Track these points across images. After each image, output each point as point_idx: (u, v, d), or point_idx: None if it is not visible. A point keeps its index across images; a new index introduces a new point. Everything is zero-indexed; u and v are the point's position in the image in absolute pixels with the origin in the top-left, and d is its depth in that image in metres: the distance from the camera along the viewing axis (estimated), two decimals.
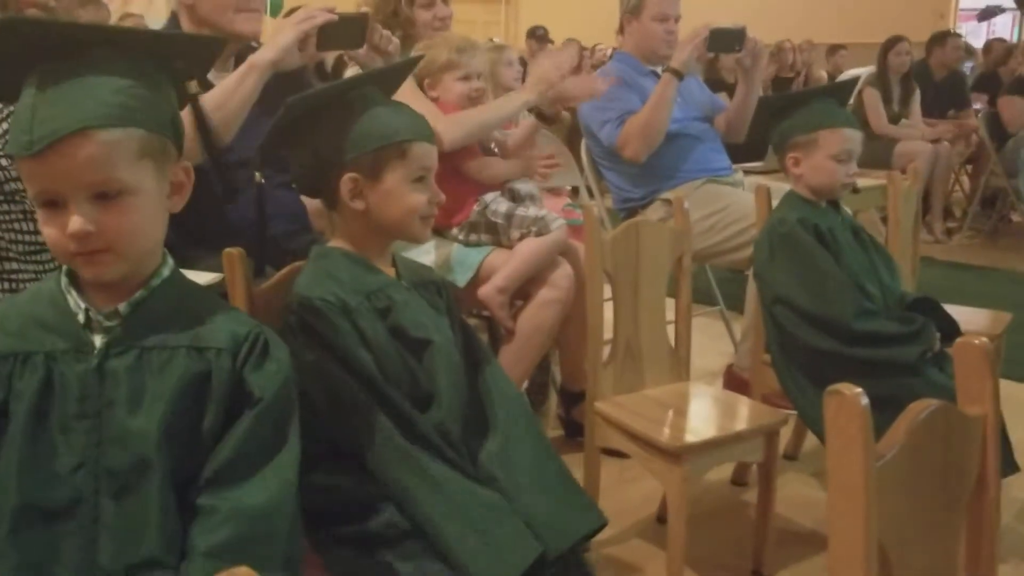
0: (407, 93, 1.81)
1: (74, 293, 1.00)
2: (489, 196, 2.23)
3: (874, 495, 0.73)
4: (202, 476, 0.97)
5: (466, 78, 2.25)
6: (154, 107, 0.98)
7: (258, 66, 1.71)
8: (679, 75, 2.71)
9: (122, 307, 0.99)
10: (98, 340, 0.98)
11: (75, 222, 0.92)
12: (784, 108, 2.01)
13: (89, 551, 0.94)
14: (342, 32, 1.80)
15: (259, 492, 0.97)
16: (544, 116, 2.31)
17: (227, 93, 1.70)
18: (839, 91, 2.12)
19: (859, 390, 0.74)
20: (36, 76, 0.94)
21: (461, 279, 2.15)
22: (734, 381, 2.62)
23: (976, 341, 0.88)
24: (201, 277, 1.43)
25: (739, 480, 2.23)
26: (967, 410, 0.89)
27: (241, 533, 0.94)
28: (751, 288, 2.50)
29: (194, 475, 0.98)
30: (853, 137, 1.97)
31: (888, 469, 0.76)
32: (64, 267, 1.01)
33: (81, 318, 0.98)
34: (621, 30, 2.99)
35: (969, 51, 6.63)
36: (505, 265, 2.14)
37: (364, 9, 2.13)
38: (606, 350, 1.93)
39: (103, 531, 0.94)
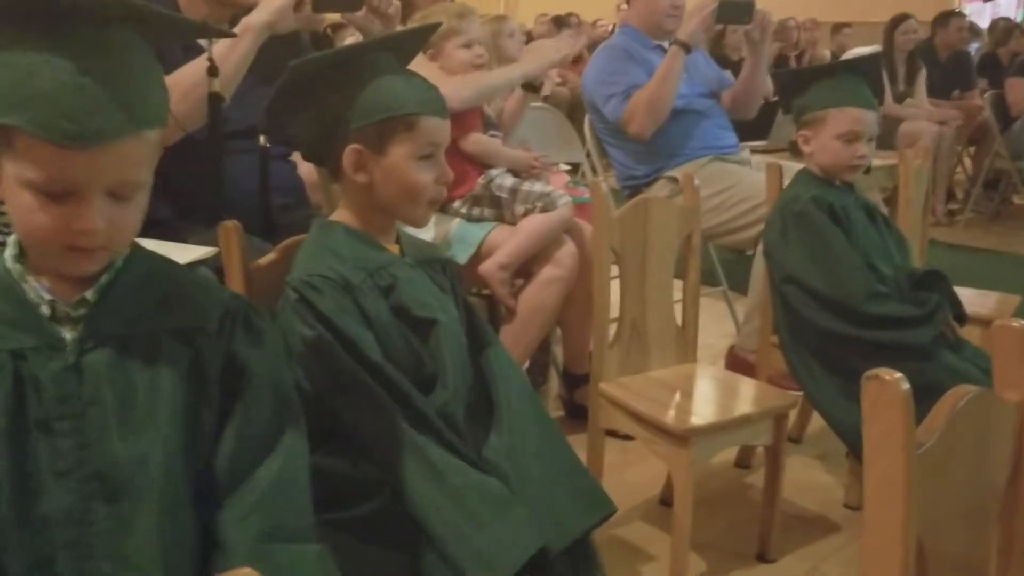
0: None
1: (31, 281, 0.89)
2: (495, 170, 2.18)
3: (914, 485, 0.69)
4: (215, 475, 0.93)
5: (468, 45, 2.22)
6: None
7: (253, 28, 1.65)
8: (686, 48, 2.65)
9: (89, 294, 0.90)
10: (67, 333, 0.89)
11: (95, 219, 0.84)
12: (801, 82, 1.95)
13: (85, 560, 0.87)
14: None
15: (272, 471, 0.94)
16: (532, 86, 2.35)
17: (219, 58, 1.64)
18: (864, 66, 2.00)
19: (899, 375, 0.70)
20: (71, 46, 0.82)
21: (461, 256, 2.10)
22: (737, 362, 2.59)
23: (1015, 324, 0.84)
24: (194, 251, 1.38)
25: (743, 463, 2.20)
26: (1004, 395, 0.85)
27: (269, 520, 0.92)
28: (756, 268, 2.45)
29: (198, 465, 0.93)
30: (864, 118, 1.90)
31: (927, 457, 0.72)
32: (10, 253, 0.90)
33: (46, 310, 0.89)
34: (627, 1, 2.93)
35: (974, 31, 6.56)
36: (508, 241, 2.09)
37: None
38: (612, 330, 1.88)
39: (97, 538, 0.87)
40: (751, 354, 2.45)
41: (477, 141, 2.20)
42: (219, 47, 1.66)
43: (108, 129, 0.82)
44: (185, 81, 1.61)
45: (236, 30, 1.66)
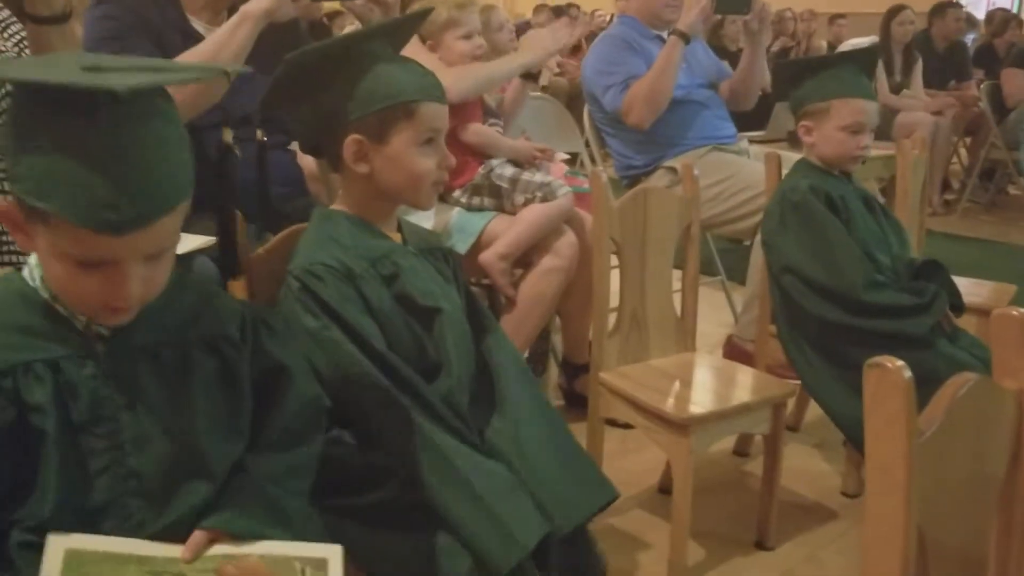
0: (409, 48, 1.76)
1: (62, 301, 0.92)
2: (495, 160, 2.18)
3: (915, 474, 0.69)
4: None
5: (468, 36, 2.21)
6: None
7: (251, 16, 1.65)
8: (685, 38, 2.64)
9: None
10: (100, 344, 0.92)
11: (131, 287, 0.86)
12: (801, 73, 1.95)
13: None
14: None
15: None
16: (530, 74, 2.36)
17: (219, 45, 1.63)
18: (863, 58, 2.02)
19: (901, 363, 0.70)
20: (104, 129, 0.80)
21: (461, 245, 2.10)
22: (736, 352, 2.60)
23: (1015, 312, 0.85)
24: (194, 240, 1.38)
25: (741, 451, 2.22)
26: (1003, 384, 0.85)
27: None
28: (755, 258, 2.46)
29: (229, 465, 0.98)
30: (867, 109, 1.91)
31: (928, 446, 0.73)
32: (39, 275, 0.92)
33: (81, 324, 0.91)
34: None
35: (971, 22, 6.55)
36: (508, 231, 2.09)
37: None
38: (611, 319, 1.89)
39: (140, 531, 0.91)
40: (749, 343, 2.45)
41: (477, 131, 2.19)
42: (217, 35, 1.65)
43: (143, 216, 0.83)
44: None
45: (235, 18, 1.66)
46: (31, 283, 0.92)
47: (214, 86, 1.60)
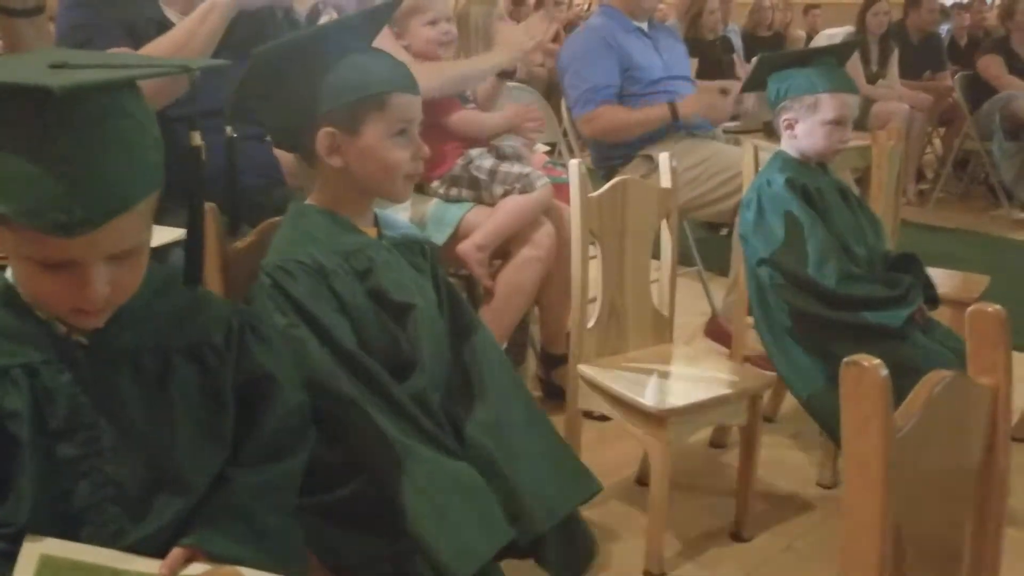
0: (382, 40, 1.74)
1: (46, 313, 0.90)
2: (475, 151, 2.17)
3: (893, 470, 0.70)
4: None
5: (433, 22, 2.16)
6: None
7: (220, 4, 1.62)
8: (675, 116, 2.69)
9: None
10: (79, 349, 0.90)
11: (96, 287, 0.83)
12: (784, 67, 1.95)
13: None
14: None
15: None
16: (505, 72, 2.31)
17: (188, 34, 1.61)
18: (840, 51, 2.04)
19: (878, 361, 0.70)
20: (55, 129, 0.78)
21: (438, 236, 2.09)
22: (717, 331, 2.61)
23: (990, 309, 0.85)
24: (168, 233, 1.36)
25: (718, 443, 2.23)
26: (979, 379, 0.86)
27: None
28: (737, 245, 2.47)
29: (213, 472, 0.97)
30: (851, 103, 1.93)
31: (905, 442, 0.73)
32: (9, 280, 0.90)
33: (60, 328, 0.89)
34: None
35: (945, 13, 6.60)
36: (486, 222, 2.09)
37: None
38: (590, 310, 1.89)
39: (118, 539, 0.90)
40: (731, 323, 2.47)
41: (462, 119, 2.17)
42: (187, 23, 1.62)
43: (95, 217, 0.80)
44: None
45: (203, 6, 1.63)
46: (15, 288, 0.90)
47: (178, 79, 1.57)
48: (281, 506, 1.00)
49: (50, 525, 0.86)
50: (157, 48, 1.60)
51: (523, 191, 2.09)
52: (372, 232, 1.29)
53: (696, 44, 4.30)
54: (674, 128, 2.77)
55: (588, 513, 1.86)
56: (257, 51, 1.21)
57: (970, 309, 0.86)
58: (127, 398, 0.91)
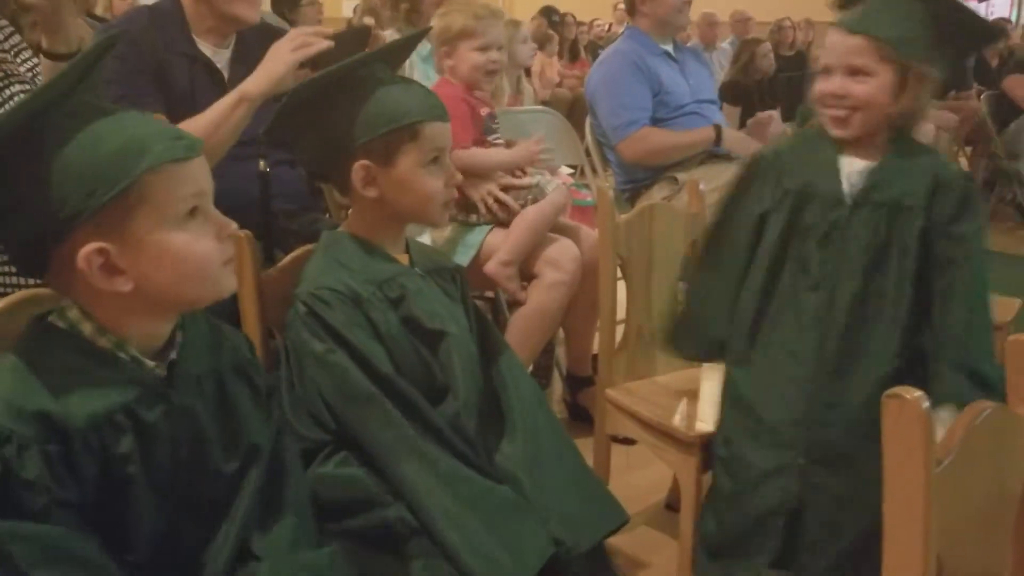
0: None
1: (127, 348, 0.92)
2: None
3: (934, 502, 0.69)
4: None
5: (484, 48, 2.12)
6: None
7: (249, 97, 1.66)
8: (718, 143, 2.72)
9: (175, 349, 0.97)
10: (159, 384, 0.95)
11: (231, 221, 0.94)
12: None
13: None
14: (341, 51, 1.64)
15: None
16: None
17: (216, 123, 1.66)
18: None
19: (919, 393, 0.70)
20: None
21: (462, 259, 2.09)
22: None
23: None
24: None
25: None
26: (1019, 411, 0.85)
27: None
28: None
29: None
30: None
31: (945, 474, 0.73)
32: (87, 328, 0.92)
33: (151, 363, 0.94)
34: (631, 11, 2.92)
35: None
36: (507, 238, 2.08)
37: (367, 20, 2.06)
38: (617, 333, 1.88)
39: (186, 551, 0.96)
40: None
41: (459, 158, 2.08)
42: (215, 113, 1.66)
43: (195, 140, 0.92)
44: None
45: (232, 97, 1.67)
46: (86, 335, 0.91)
47: (223, 145, 1.66)
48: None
49: (167, 558, 0.93)
50: (191, 127, 1.62)
51: (536, 200, 2.09)
52: (404, 259, 1.30)
53: (739, 92, 4.32)
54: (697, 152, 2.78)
55: (617, 540, 1.84)
56: (293, 88, 1.25)
57: (1010, 339, 0.86)
58: (204, 423, 0.97)
